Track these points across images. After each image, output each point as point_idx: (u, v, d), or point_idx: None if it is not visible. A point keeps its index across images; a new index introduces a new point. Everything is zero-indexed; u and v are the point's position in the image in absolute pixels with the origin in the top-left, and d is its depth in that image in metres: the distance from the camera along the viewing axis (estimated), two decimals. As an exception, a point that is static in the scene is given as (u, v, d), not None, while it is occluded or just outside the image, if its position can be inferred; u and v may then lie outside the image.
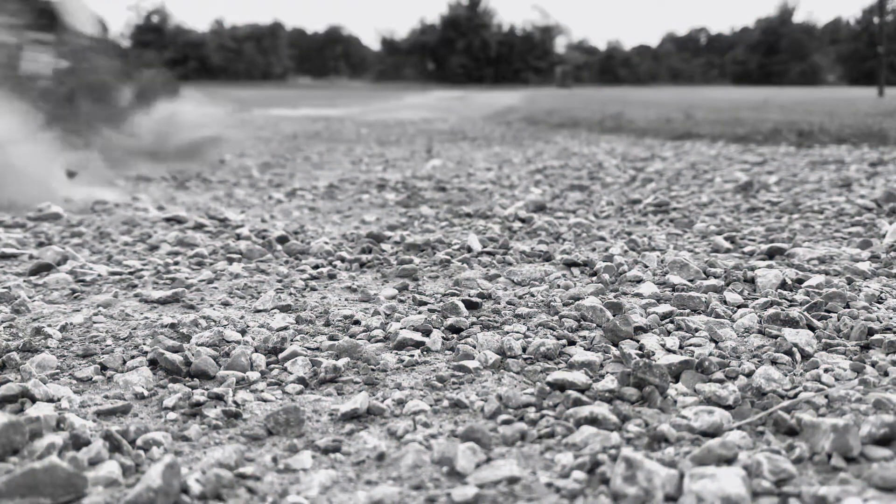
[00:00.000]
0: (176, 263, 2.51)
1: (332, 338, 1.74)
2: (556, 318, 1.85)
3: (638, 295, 2.06)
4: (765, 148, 7.00)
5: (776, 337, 1.69)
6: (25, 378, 1.49)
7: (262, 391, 1.44)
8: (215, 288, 2.19)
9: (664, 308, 1.88)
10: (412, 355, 1.62)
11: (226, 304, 2.03)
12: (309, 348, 1.67)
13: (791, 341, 1.62)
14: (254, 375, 1.50)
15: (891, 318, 1.80)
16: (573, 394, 1.35)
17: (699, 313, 1.87)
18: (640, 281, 2.22)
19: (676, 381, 1.45)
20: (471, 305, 1.96)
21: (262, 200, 3.99)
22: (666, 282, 2.18)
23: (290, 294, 2.13)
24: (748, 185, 4.13)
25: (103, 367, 1.55)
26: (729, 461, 1.13)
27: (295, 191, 4.32)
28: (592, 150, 7.05)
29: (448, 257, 2.52)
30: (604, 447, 1.17)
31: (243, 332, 1.76)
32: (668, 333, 1.74)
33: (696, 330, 1.76)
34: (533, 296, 2.07)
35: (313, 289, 2.21)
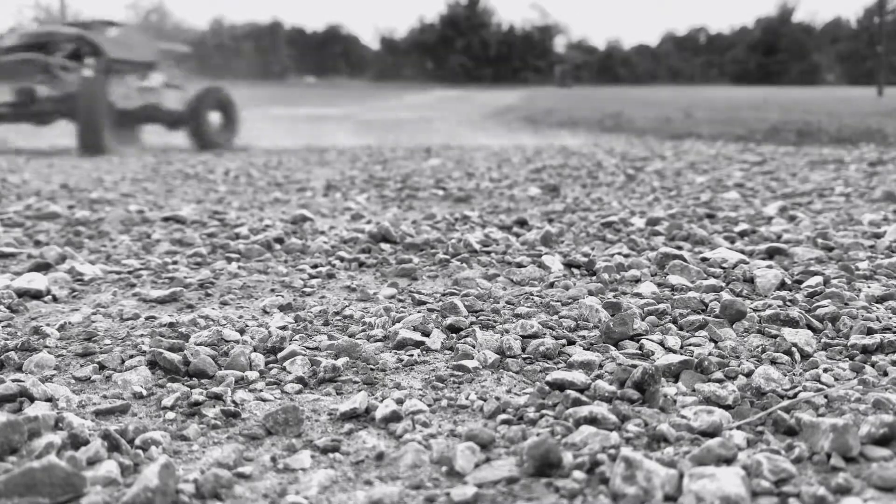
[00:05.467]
0: (174, 263, 2.51)
1: (331, 337, 1.74)
2: (555, 317, 1.85)
3: (637, 295, 2.06)
4: (764, 147, 7.00)
5: (775, 337, 1.69)
6: (24, 377, 1.48)
7: (261, 391, 1.44)
8: (214, 287, 2.19)
9: (664, 308, 1.88)
10: (411, 355, 1.61)
11: (224, 304, 2.03)
12: (308, 348, 1.67)
13: (790, 341, 1.62)
14: (252, 375, 1.50)
15: (890, 318, 1.80)
16: (572, 393, 1.35)
17: (699, 313, 1.87)
18: (639, 281, 2.22)
19: (676, 381, 1.45)
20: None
21: (261, 200, 3.99)
22: (665, 282, 2.18)
23: (290, 293, 2.12)
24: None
25: (102, 367, 1.55)
26: (728, 461, 1.12)
27: (294, 189, 4.32)
28: (592, 149, 7.05)
29: (447, 257, 2.52)
30: (603, 447, 1.17)
31: (242, 332, 1.76)
32: (668, 332, 1.74)
33: (696, 329, 1.75)
34: (532, 295, 2.07)
35: (312, 288, 2.20)
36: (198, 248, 2.67)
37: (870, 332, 1.69)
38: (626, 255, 2.55)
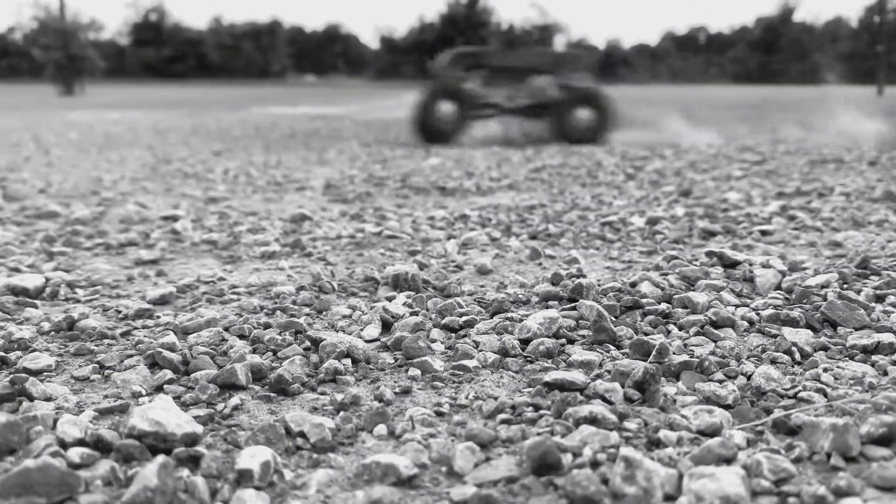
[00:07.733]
0: (174, 262, 2.50)
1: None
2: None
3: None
4: (764, 147, 7.00)
5: (776, 336, 1.68)
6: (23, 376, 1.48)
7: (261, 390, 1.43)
8: (214, 286, 2.19)
9: (664, 307, 1.88)
10: (411, 354, 1.61)
11: (224, 303, 2.02)
12: (307, 348, 1.67)
13: (791, 340, 1.62)
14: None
15: (889, 318, 1.80)
16: (572, 393, 1.34)
17: (699, 313, 1.87)
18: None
19: (677, 381, 1.45)
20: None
21: (261, 199, 3.98)
22: (665, 282, 2.17)
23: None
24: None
25: (101, 366, 1.55)
26: (728, 461, 1.12)
27: (294, 189, 4.32)
28: (592, 148, 7.05)
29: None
30: (603, 447, 1.17)
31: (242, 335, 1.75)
32: (668, 333, 1.74)
33: (696, 330, 1.75)
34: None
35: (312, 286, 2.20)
36: (197, 248, 2.67)
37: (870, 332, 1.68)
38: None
